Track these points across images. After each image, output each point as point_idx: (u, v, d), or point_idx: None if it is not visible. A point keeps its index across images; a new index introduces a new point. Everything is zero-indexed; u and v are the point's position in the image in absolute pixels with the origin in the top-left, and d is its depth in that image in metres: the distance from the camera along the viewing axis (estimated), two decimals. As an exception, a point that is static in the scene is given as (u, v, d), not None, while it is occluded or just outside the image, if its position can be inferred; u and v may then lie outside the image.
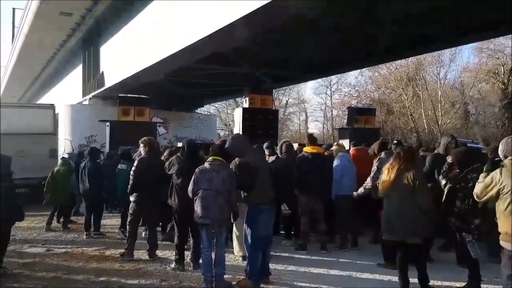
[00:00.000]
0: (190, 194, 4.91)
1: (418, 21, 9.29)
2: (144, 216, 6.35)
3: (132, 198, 6.13)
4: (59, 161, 8.94)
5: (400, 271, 4.57)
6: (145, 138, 6.33)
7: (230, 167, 4.96)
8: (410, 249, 4.47)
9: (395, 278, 5.07)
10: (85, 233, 7.63)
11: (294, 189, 6.38)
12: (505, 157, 3.57)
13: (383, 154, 6.04)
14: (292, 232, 7.16)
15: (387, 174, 4.50)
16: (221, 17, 8.34)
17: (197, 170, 4.88)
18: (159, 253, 6.22)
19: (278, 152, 7.29)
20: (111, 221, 8.95)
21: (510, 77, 25.72)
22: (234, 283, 5.05)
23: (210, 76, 15.02)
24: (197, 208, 4.81)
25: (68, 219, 8.60)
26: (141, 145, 6.29)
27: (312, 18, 8.52)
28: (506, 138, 3.75)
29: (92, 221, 7.70)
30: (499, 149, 3.74)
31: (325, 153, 7.17)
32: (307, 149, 6.51)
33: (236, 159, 4.98)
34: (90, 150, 8.52)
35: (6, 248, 5.56)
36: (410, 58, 25.43)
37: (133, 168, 6.04)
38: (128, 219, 6.24)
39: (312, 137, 6.94)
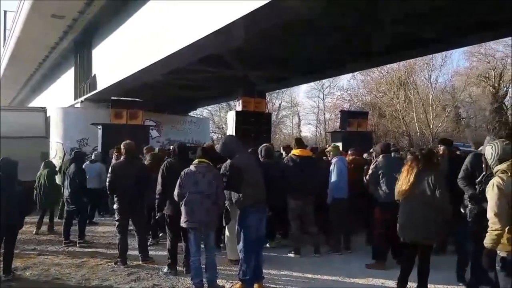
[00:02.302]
0: (176, 198, 4.85)
1: (418, 21, 9.28)
2: (131, 221, 6.17)
3: (115, 206, 6.10)
4: (42, 164, 8.69)
5: (402, 273, 4.56)
6: (123, 143, 6.25)
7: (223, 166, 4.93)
8: (422, 251, 4.46)
9: (389, 282, 5.10)
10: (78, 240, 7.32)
11: (284, 192, 6.34)
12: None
13: (380, 157, 6.02)
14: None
15: (405, 177, 4.41)
16: (221, 16, 8.24)
17: (182, 173, 4.84)
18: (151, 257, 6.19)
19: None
20: (103, 226, 8.89)
21: (501, 81, 25.97)
22: (227, 287, 5.04)
23: (203, 79, 14.94)
24: (183, 212, 4.77)
25: (53, 223, 8.52)
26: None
27: (311, 18, 8.49)
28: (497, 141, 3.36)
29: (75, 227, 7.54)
30: (489, 153, 3.29)
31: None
32: (295, 152, 6.53)
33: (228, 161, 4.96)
34: (74, 154, 8.37)
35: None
36: (402, 62, 25.59)
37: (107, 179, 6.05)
38: (115, 227, 6.20)
39: (300, 140, 6.92)
